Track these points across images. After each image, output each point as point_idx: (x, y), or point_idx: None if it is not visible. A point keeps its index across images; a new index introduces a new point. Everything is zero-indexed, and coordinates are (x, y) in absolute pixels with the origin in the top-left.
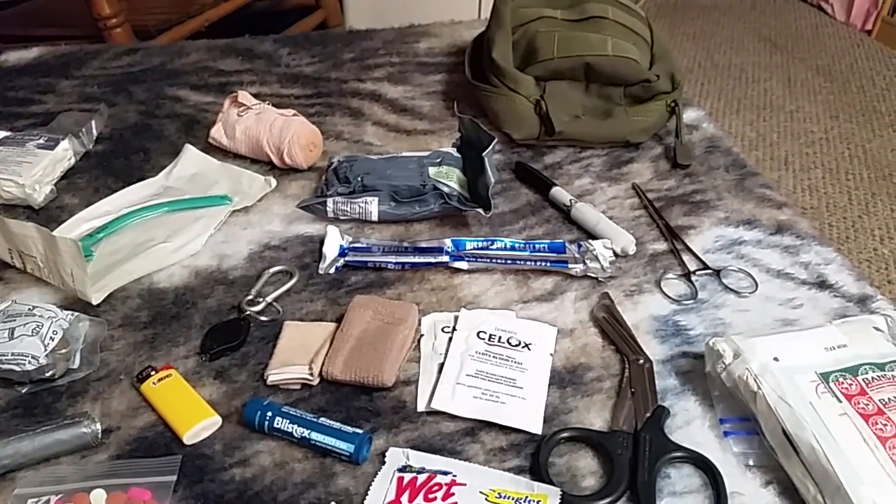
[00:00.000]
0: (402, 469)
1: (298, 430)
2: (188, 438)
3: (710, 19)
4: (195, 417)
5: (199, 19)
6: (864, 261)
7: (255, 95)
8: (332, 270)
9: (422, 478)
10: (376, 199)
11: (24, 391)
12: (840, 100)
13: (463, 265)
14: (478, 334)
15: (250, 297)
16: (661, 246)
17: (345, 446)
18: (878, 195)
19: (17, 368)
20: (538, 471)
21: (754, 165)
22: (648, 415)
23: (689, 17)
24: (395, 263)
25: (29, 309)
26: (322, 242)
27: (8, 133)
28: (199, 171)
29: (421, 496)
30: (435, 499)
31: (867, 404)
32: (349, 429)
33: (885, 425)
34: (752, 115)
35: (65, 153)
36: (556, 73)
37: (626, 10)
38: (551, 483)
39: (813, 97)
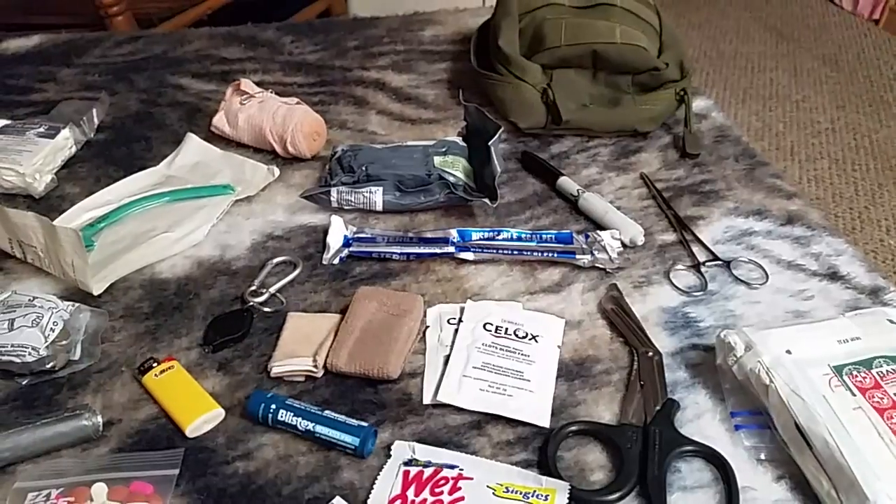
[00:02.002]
0: (408, 462)
1: (303, 423)
2: (191, 431)
3: (715, 9)
4: (198, 410)
5: (202, 7)
6: (870, 252)
7: (258, 84)
8: (336, 261)
9: (428, 471)
10: (381, 188)
11: (24, 383)
12: (847, 90)
13: (469, 256)
14: (484, 326)
15: (253, 288)
16: (670, 237)
17: (350, 439)
18: (884, 186)
19: (17, 360)
20: (546, 465)
21: (762, 155)
22: (658, 408)
23: (695, 6)
24: (401, 254)
25: (29, 300)
26: (326, 232)
27: (8, 121)
28: (201, 160)
29: (427, 490)
30: (441, 493)
31: (882, 398)
32: (354, 422)
33: None
34: (757, 105)
35: (65, 142)
36: (563, 61)
37: None
38: (559, 477)
39: (819, 87)
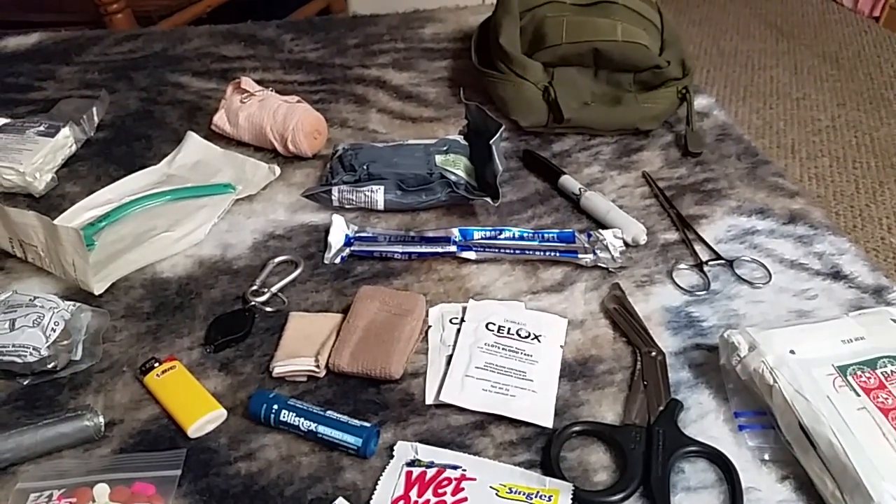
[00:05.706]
0: (411, 463)
1: (305, 424)
2: (193, 432)
3: (716, 6)
4: (200, 410)
5: (202, 5)
6: (871, 250)
7: (259, 82)
8: (337, 260)
9: (431, 472)
10: (382, 187)
11: (25, 383)
12: (847, 87)
13: (471, 255)
14: (486, 326)
15: (255, 288)
16: (673, 236)
17: (352, 440)
18: (885, 184)
19: (19, 360)
20: (549, 465)
21: (764, 154)
22: (662, 408)
23: (695, 3)
24: (402, 253)
25: (30, 299)
26: (327, 232)
27: (8, 120)
28: (201, 158)
29: (430, 491)
30: (444, 493)
31: (886, 398)
32: (356, 422)
33: None
34: (758, 103)
35: (65, 140)
36: (564, 59)
37: None
38: (563, 478)
39: (820, 84)
